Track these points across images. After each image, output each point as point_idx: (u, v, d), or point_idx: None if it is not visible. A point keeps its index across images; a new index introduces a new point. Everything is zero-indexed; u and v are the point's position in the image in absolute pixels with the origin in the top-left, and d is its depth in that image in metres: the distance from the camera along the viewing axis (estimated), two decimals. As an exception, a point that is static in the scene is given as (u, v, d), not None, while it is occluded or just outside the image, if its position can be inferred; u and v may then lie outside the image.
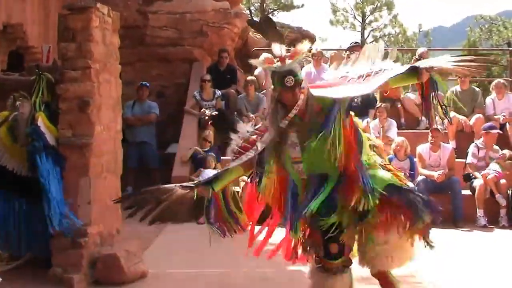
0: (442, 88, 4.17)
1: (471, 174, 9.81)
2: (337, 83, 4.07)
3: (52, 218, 5.51)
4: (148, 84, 11.37)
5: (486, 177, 9.38)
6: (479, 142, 10.11)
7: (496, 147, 10.07)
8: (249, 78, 11.70)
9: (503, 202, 9.27)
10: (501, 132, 10.36)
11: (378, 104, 11.46)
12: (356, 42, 13.28)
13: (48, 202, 5.52)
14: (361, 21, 34.48)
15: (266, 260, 4.62)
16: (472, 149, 10.03)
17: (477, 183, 9.44)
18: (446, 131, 10.85)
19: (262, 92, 11.58)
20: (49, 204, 5.52)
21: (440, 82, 4.08)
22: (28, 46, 10.22)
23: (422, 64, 3.90)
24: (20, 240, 5.93)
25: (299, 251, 4.34)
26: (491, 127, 10.22)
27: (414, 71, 3.89)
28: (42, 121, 5.81)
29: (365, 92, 4.16)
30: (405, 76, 3.93)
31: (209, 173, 9.52)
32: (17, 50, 10.14)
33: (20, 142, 5.87)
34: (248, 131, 4.33)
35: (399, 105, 11.96)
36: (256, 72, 11.91)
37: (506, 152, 9.87)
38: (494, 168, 9.60)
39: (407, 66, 3.97)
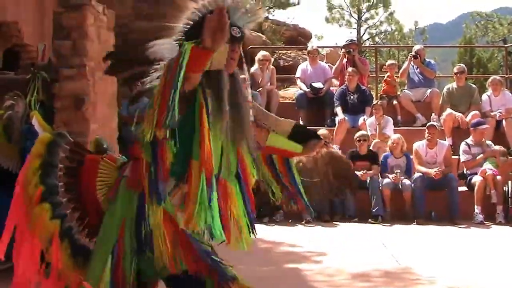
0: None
1: (465, 172, 9.83)
2: None
3: None
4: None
5: (485, 173, 9.39)
6: (469, 139, 10.08)
7: (489, 142, 10.05)
8: (242, 76, 11.58)
9: (495, 198, 9.28)
10: (487, 126, 10.28)
11: (375, 101, 11.52)
12: (352, 40, 13.26)
13: None
14: (357, 18, 34.42)
15: (263, 258, 4.60)
16: (462, 147, 10.01)
17: (476, 179, 9.44)
18: (443, 128, 10.88)
19: (258, 90, 11.48)
20: None
21: None
22: (23, 44, 10.18)
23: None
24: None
25: None
26: (478, 123, 10.18)
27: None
28: (36, 120, 5.77)
29: None
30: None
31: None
32: (12, 48, 10.09)
33: (15, 141, 5.84)
34: None
35: (396, 102, 11.95)
36: (252, 69, 11.85)
37: (498, 147, 9.89)
38: (488, 165, 9.61)
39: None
